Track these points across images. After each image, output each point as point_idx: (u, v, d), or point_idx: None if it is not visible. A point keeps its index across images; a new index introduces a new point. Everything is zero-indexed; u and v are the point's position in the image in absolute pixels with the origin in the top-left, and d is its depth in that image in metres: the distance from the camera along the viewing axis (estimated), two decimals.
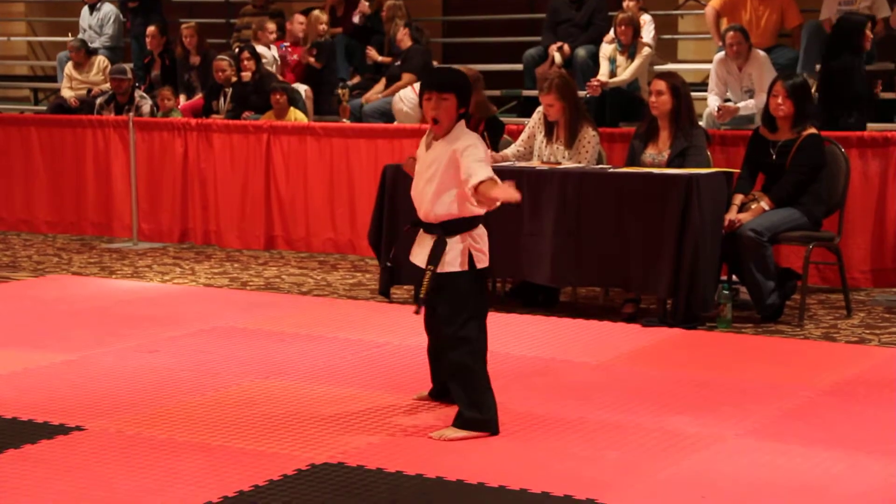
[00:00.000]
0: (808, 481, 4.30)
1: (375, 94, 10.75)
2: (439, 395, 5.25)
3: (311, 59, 11.26)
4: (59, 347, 6.34)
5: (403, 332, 6.65)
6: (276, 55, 11.50)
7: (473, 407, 4.80)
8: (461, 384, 4.83)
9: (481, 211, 4.84)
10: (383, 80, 10.89)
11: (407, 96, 10.16)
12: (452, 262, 4.81)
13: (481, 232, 4.90)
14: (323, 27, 11.31)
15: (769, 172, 7.32)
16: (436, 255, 4.81)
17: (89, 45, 12.48)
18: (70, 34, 12.85)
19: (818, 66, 9.60)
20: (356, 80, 11.50)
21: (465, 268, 4.81)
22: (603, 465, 4.48)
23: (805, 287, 7.17)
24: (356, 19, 11.72)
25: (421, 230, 4.96)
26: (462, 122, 4.88)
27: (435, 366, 5.19)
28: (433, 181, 4.83)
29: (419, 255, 4.92)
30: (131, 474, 4.35)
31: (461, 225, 4.81)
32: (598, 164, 7.58)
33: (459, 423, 4.82)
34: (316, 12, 11.39)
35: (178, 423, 4.97)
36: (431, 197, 4.83)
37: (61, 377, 5.73)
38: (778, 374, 5.85)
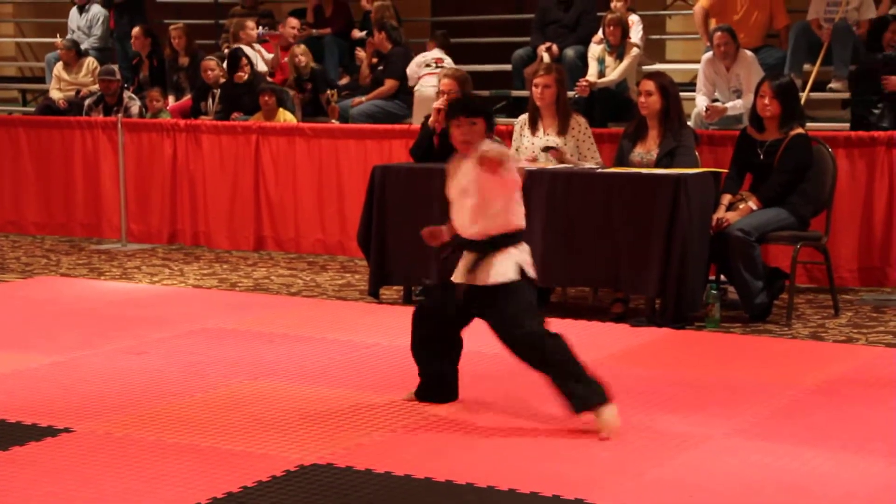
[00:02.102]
0: (796, 480, 4.31)
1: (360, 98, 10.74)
2: (425, 394, 5.27)
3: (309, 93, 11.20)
4: (47, 349, 6.32)
5: (393, 332, 6.65)
6: (261, 52, 11.46)
7: (582, 385, 4.82)
8: (560, 374, 4.85)
9: (522, 223, 4.97)
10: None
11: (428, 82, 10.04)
12: (506, 272, 4.90)
13: (525, 247, 5.01)
14: (306, 60, 11.14)
15: (757, 172, 7.33)
16: (481, 268, 4.91)
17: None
18: (58, 35, 12.82)
19: (808, 67, 9.63)
20: (345, 80, 11.49)
21: (518, 277, 4.91)
22: (592, 465, 4.48)
23: (793, 286, 7.18)
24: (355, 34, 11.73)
25: (464, 251, 5.04)
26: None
27: (424, 362, 5.23)
28: (473, 197, 4.93)
29: (461, 273, 5.00)
30: (120, 476, 4.35)
31: (507, 240, 4.92)
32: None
33: (581, 405, 4.82)
34: (300, 48, 11.19)
35: (167, 425, 4.97)
36: (473, 214, 4.93)
37: (50, 379, 5.72)
38: (766, 373, 5.86)
